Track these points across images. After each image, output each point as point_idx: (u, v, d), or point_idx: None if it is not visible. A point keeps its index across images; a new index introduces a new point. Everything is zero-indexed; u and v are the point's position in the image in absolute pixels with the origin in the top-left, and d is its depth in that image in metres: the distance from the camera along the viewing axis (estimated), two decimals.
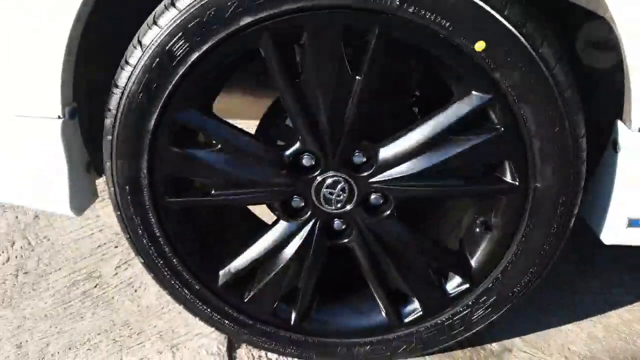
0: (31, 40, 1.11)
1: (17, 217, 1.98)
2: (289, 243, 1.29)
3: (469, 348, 1.52)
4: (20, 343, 1.53)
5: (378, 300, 1.35)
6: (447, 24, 1.02)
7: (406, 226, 1.27)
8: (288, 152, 1.19)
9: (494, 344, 1.53)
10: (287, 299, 1.37)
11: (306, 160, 1.21)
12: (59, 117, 1.17)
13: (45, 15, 1.09)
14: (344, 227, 1.28)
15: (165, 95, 1.11)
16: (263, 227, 1.34)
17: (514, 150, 1.14)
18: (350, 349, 1.40)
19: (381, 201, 1.24)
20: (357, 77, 1.09)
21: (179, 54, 1.07)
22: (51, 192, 1.25)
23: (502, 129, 1.12)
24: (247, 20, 1.04)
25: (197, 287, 1.34)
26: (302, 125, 1.16)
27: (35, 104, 1.17)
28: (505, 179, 1.18)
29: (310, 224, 1.27)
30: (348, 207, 1.24)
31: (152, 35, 1.07)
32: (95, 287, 1.69)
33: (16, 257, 1.82)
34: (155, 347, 1.50)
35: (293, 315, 1.37)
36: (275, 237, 1.29)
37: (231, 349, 1.50)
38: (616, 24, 1.04)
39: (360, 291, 1.39)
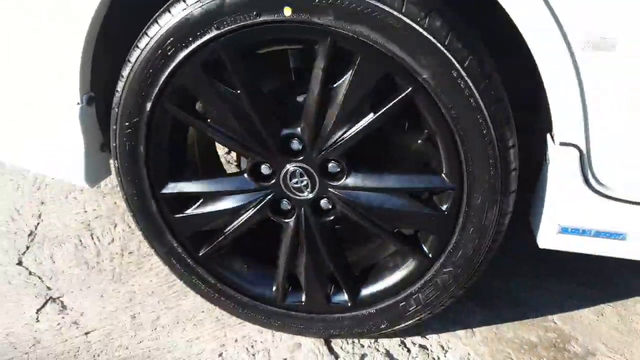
0: (56, 41, 1.36)
1: (115, 202, 2.17)
2: (298, 239, 1.48)
3: (552, 349, 1.54)
4: (134, 314, 1.73)
5: (401, 249, 1.43)
6: (254, 12, 1.21)
7: (373, 173, 1.37)
8: (247, 173, 1.44)
9: (577, 347, 1.54)
10: (334, 286, 1.53)
11: (265, 169, 1.43)
12: (78, 104, 1.41)
13: (63, 25, 1.34)
14: (330, 204, 1.44)
15: (147, 183, 1.47)
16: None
17: (384, 64, 1.21)
18: (408, 301, 1.47)
19: (338, 168, 1.38)
20: (238, 92, 1.32)
21: (140, 149, 1.42)
22: (70, 165, 1.50)
23: (361, 55, 1.22)
24: (148, 105, 1.36)
25: (266, 309, 1.59)
26: (237, 148, 1.41)
27: (59, 91, 1.42)
28: (401, 86, 1.24)
29: (303, 214, 1.45)
30: (317, 186, 1.40)
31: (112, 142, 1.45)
32: None
33: (119, 238, 2.02)
34: (256, 327, 1.65)
35: (346, 297, 1.52)
36: (288, 240, 1.49)
37: None
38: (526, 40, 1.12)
39: (387, 250, 1.48)
